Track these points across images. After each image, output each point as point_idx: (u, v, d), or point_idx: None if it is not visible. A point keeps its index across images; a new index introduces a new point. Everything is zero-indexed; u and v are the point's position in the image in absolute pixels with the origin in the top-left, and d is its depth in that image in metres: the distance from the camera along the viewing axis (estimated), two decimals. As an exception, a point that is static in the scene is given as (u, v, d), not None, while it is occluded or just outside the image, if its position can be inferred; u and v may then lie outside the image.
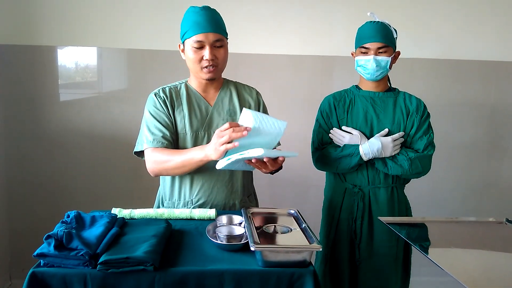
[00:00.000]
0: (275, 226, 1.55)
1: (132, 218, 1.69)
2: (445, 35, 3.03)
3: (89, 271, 1.25)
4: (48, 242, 1.27)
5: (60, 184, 2.99)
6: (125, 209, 1.72)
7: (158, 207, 1.95)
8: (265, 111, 1.97)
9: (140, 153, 1.86)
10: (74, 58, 2.93)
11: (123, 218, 1.58)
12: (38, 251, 1.26)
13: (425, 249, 1.55)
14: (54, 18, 2.85)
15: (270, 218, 1.65)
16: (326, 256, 2.13)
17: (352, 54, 2.09)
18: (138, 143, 1.86)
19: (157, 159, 1.74)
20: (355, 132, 2.00)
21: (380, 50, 1.96)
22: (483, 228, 1.87)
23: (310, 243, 1.40)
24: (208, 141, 1.83)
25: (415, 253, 1.83)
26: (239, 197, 1.91)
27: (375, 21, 2.00)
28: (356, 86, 2.12)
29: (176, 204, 1.88)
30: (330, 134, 2.07)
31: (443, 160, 3.12)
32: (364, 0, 2.95)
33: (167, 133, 1.79)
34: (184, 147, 1.84)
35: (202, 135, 1.85)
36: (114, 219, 1.50)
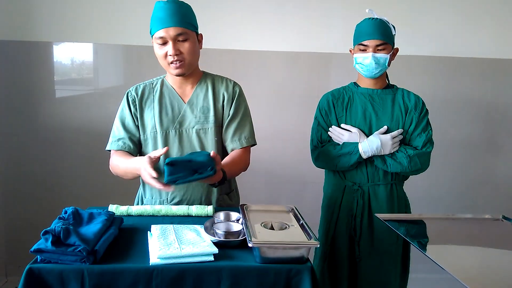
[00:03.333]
0: (272, 222, 1.55)
1: (129, 215, 1.69)
2: (442, 33, 3.04)
3: (86, 267, 1.24)
4: (45, 237, 1.26)
5: (56, 180, 2.98)
6: (122, 205, 1.72)
7: (138, 204, 1.96)
8: (238, 105, 1.87)
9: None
10: (70, 54, 2.91)
11: (121, 218, 1.58)
12: (35, 246, 1.25)
13: (422, 246, 1.55)
14: (50, 14, 2.83)
15: (268, 215, 1.65)
16: (326, 253, 2.13)
17: (350, 51, 2.09)
18: (109, 141, 1.89)
19: (111, 163, 1.82)
20: (354, 129, 2.00)
21: (379, 47, 1.96)
22: (479, 225, 1.87)
23: (308, 240, 1.40)
24: (180, 140, 1.84)
25: (413, 250, 1.83)
26: (215, 195, 1.87)
27: (373, 18, 1.99)
28: (355, 83, 2.12)
29: (153, 202, 1.88)
30: (329, 132, 2.07)
31: (439, 157, 3.12)
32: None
33: (126, 136, 1.83)
34: (155, 147, 1.84)
35: (173, 133, 1.83)
36: (111, 217, 1.50)
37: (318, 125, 2.11)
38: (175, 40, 1.72)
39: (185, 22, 1.73)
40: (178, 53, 1.73)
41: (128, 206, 1.72)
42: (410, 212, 2.14)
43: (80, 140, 2.95)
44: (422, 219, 1.89)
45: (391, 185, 2.05)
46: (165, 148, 1.64)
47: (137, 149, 1.87)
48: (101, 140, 2.93)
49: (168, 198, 1.86)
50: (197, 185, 1.83)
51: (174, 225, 1.53)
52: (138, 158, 1.69)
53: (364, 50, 1.98)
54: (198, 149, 1.84)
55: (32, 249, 1.25)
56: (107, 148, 1.87)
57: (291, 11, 2.95)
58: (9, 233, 3.00)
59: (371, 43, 1.96)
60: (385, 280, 2.06)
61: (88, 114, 2.94)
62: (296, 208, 1.69)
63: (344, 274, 2.09)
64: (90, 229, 1.36)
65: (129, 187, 2.96)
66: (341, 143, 2.01)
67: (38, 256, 1.26)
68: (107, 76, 2.97)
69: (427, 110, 2.05)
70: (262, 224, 1.52)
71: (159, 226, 1.51)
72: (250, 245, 1.31)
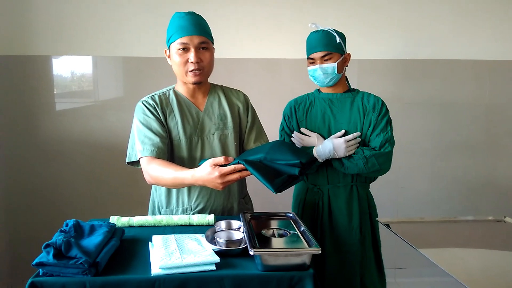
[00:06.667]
0: (274, 229, 1.55)
1: (130, 226, 1.69)
2: (438, 36, 3.05)
3: (88, 279, 1.25)
4: (47, 251, 1.27)
5: (57, 192, 2.99)
6: (123, 216, 1.72)
7: (153, 214, 1.94)
8: (253, 113, 1.99)
9: (134, 163, 1.85)
10: (69, 67, 2.93)
11: (122, 229, 1.59)
12: (37, 260, 1.25)
13: (425, 250, 1.55)
14: (49, 28, 2.86)
15: (269, 222, 1.65)
16: None
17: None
18: (129, 153, 1.85)
19: (151, 172, 1.71)
20: (313, 134, 2.05)
21: (325, 58, 2.00)
22: (482, 227, 1.87)
23: (309, 246, 1.40)
24: (202, 146, 1.85)
25: (415, 254, 1.83)
26: (236, 199, 1.93)
27: (317, 31, 2.04)
28: (318, 89, 2.17)
29: (175, 212, 1.88)
30: (292, 138, 2.12)
31: (440, 159, 3.13)
32: (354, 3, 2.97)
33: (158, 140, 1.76)
34: (180, 155, 1.83)
35: (195, 140, 1.85)
36: (112, 228, 1.50)
37: (282, 130, 2.19)
38: (198, 48, 1.77)
39: (207, 33, 1.81)
40: (199, 61, 1.77)
41: (129, 217, 1.72)
42: (376, 214, 2.14)
43: (80, 152, 2.96)
44: (423, 222, 1.89)
45: (351, 186, 2.08)
46: (222, 158, 1.57)
47: (169, 153, 1.83)
48: (101, 151, 2.98)
49: (192, 206, 1.87)
50: (219, 192, 1.87)
51: (176, 235, 1.53)
52: (192, 170, 1.60)
53: (312, 63, 2.04)
54: (219, 154, 1.85)
55: (34, 262, 1.25)
56: (139, 156, 1.76)
57: (286, 19, 2.97)
58: (12, 246, 3.00)
59: (315, 55, 2.01)
60: (348, 277, 2.07)
61: (89, 126, 2.95)
62: (296, 214, 1.69)
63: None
64: (92, 241, 1.36)
65: (130, 197, 2.99)
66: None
67: (40, 270, 1.27)
68: (107, 88, 2.98)
69: (387, 110, 2.06)
70: (264, 232, 1.52)
71: (160, 236, 1.52)
72: (251, 253, 1.31)
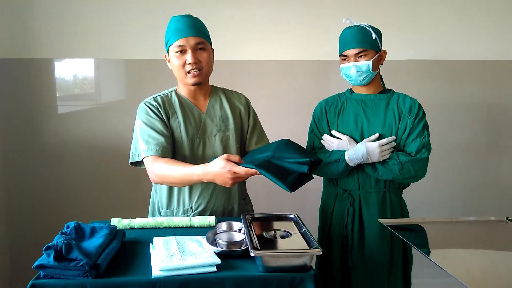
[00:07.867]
0: (275, 231, 1.55)
1: (131, 228, 1.69)
2: (440, 36, 3.04)
3: (89, 281, 1.25)
4: (47, 253, 1.27)
5: (59, 195, 2.99)
6: (125, 218, 1.72)
7: (153, 216, 1.95)
8: (254, 116, 2.00)
9: (137, 163, 1.85)
10: (71, 70, 2.94)
11: (123, 231, 1.59)
12: (37, 262, 1.26)
13: (426, 251, 1.54)
14: (51, 31, 2.87)
15: (270, 223, 1.65)
16: (321, 262, 2.10)
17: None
18: (133, 153, 1.85)
19: (156, 171, 1.70)
20: (344, 137, 1.96)
21: (360, 55, 1.93)
22: (484, 228, 1.86)
23: (310, 247, 1.40)
24: (204, 148, 1.85)
25: (416, 254, 1.83)
26: (237, 200, 1.93)
27: (351, 27, 1.97)
28: (350, 89, 2.09)
29: (175, 213, 1.88)
30: (321, 140, 2.04)
31: (441, 160, 3.12)
32: (358, 4, 2.96)
33: (162, 139, 1.76)
34: (182, 154, 1.84)
35: (198, 141, 1.85)
36: (113, 230, 1.50)
37: (312, 132, 2.11)
38: (195, 49, 1.78)
39: (203, 34, 1.82)
40: (197, 61, 1.78)
41: (130, 219, 1.72)
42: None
43: (82, 155, 2.97)
44: (425, 224, 1.88)
45: (384, 192, 1.99)
46: (238, 157, 1.58)
47: (171, 153, 1.82)
48: (104, 154, 2.98)
49: (193, 207, 1.87)
50: (220, 193, 1.88)
51: (177, 237, 1.53)
52: (202, 165, 1.59)
53: (345, 60, 1.97)
54: (221, 155, 1.83)
55: (35, 265, 1.26)
56: (143, 155, 1.75)
57: (290, 20, 2.96)
58: (13, 249, 3.01)
59: (350, 52, 1.94)
60: None
61: (91, 129, 2.96)
62: (298, 215, 1.69)
63: (337, 283, 2.03)
64: (92, 243, 1.36)
65: (132, 200, 2.99)
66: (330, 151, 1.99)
67: (41, 272, 1.27)
68: (109, 91, 2.99)
69: (424, 114, 1.98)
70: (265, 233, 1.52)
71: (161, 238, 1.52)
72: (252, 254, 1.31)
